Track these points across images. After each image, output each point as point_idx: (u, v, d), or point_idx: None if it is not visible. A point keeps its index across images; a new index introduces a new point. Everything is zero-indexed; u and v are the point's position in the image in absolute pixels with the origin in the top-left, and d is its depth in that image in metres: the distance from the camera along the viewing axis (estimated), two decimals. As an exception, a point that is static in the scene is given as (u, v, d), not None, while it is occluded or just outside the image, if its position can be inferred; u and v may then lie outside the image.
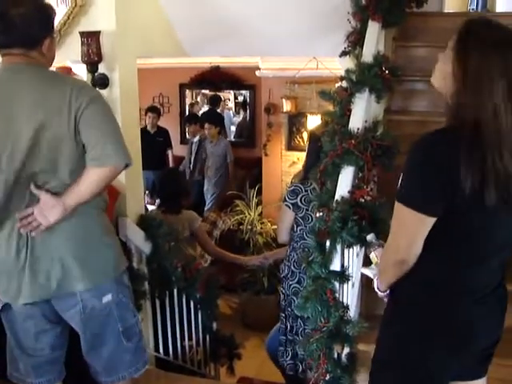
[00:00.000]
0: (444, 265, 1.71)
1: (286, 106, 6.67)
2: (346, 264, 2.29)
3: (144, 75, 8.47)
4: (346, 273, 2.26)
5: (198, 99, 9.78)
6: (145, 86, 8.83)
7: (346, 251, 2.27)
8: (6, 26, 2.18)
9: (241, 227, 5.92)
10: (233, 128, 9.77)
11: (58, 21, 2.98)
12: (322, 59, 5.69)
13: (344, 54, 3.11)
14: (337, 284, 2.26)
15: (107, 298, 2.35)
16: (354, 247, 2.27)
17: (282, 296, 3.38)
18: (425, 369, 1.77)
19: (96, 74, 2.99)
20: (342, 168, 2.40)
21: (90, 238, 2.32)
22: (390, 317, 1.90)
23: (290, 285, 3.26)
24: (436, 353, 1.75)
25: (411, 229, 1.65)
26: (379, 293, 1.93)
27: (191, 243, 4.43)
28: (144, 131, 7.72)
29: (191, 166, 8.06)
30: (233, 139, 9.38)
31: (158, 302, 3.49)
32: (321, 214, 2.26)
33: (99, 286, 2.33)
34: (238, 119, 9.64)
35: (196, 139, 8.01)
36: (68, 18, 3.00)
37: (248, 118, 9.30)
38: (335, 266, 2.24)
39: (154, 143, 7.62)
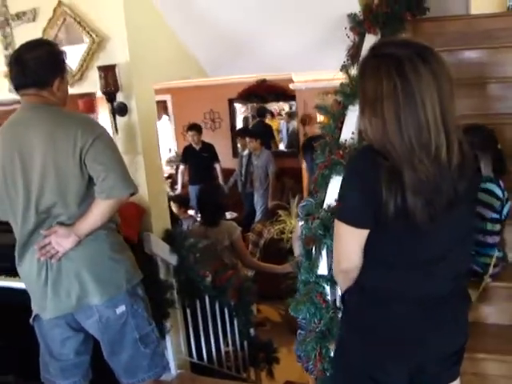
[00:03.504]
0: (380, 272, 1.76)
1: (320, 117, 6.80)
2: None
3: (194, 93, 8.94)
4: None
5: (249, 113, 10.05)
6: (196, 102, 9.34)
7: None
8: (21, 68, 2.51)
9: (283, 236, 6.07)
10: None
11: (79, 58, 3.32)
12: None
13: (344, 67, 3.24)
14: (327, 287, 2.41)
15: (121, 308, 2.61)
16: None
17: None
18: (366, 374, 1.82)
19: (115, 103, 3.27)
20: (331, 178, 2.55)
21: (100, 256, 2.58)
22: (340, 320, 2.04)
23: None
24: (374, 358, 1.81)
25: (347, 241, 1.75)
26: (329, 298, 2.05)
27: (232, 252, 4.69)
28: (189, 148, 8.06)
29: (243, 178, 8.29)
30: (284, 149, 9.57)
31: (188, 310, 3.71)
32: (303, 222, 2.41)
33: (112, 298, 2.58)
34: (288, 129, 9.83)
35: (246, 152, 8.23)
36: (88, 54, 3.30)
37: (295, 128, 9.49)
38: (322, 270, 2.38)
39: (200, 159, 7.96)
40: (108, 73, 3.18)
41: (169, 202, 6.52)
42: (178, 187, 8.69)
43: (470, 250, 2.05)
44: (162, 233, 3.52)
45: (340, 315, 2.06)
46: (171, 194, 8.12)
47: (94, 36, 3.29)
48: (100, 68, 3.20)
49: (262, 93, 9.14)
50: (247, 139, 7.96)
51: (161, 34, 3.67)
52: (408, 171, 1.56)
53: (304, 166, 3.49)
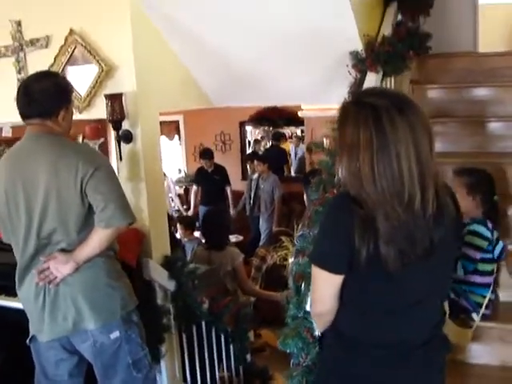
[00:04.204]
0: (355, 317, 1.77)
1: (327, 145, 6.82)
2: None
3: (206, 114, 9.03)
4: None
5: (259, 135, 10.14)
6: (207, 124, 9.46)
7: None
8: (27, 99, 2.62)
9: (285, 262, 6.10)
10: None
11: (87, 85, 3.41)
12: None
13: (347, 103, 3.31)
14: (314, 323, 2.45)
15: (115, 334, 2.67)
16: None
17: None
18: None
19: (120, 131, 3.34)
20: (323, 215, 2.60)
21: (97, 282, 2.66)
22: (317, 358, 2.08)
23: None
24: None
25: (321, 285, 1.78)
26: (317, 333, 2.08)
27: (233, 278, 4.74)
28: (202, 170, 8.19)
29: (251, 201, 8.35)
30: (292, 174, 9.64)
31: (184, 336, 3.75)
32: (294, 259, 2.46)
33: (107, 324, 2.65)
34: (297, 154, 9.90)
35: (255, 176, 8.31)
36: (96, 82, 3.39)
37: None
38: (310, 306, 2.43)
39: (212, 181, 8.09)
40: (115, 101, 3.26)
41: (176, 223, 6.62)
42: (191, 208, 8.82)
43: (445, 297, 2.07)
44: (161, 258, 3.57)
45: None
46: (174, 213, 8.23)
47: (102, 64, 3.37)
48: (107, 96, 3.28)
49: (273, 117, 9.23)
50: (255, 162, 8.05)
51: (168, 63, 3.76)
52: (381, 219, 1.58)
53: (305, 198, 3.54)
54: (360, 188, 1.60)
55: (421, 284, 1.71)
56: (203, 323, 3.85)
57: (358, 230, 1.59)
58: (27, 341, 2.79)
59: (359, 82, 3.24)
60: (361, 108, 1.63)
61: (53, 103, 2.61)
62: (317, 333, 2.45)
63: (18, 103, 2.65)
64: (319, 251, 1.78)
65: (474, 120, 4.01)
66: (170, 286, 3.57)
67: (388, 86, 3.38)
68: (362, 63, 3.24)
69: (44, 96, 2.59)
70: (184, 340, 3.77)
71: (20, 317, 3.18)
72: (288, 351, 2.50)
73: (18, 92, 2.67)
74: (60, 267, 2.55)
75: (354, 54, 3.27)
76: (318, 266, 1.73)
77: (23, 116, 2.64)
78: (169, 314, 3.56)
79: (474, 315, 2.87)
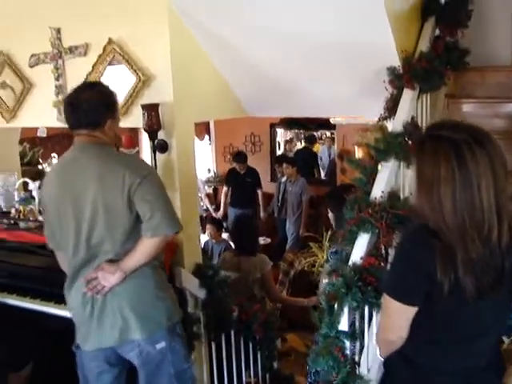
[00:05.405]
0: (425, 346, 1.84)
1: (359, 153, 6.86)
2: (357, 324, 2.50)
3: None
4: (355, 332, 2.47)
5: (289, 137, 10.12)
6: (238, 126, 9.48)
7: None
8: (75, 110, 2.66)
9: (313, 269, 6.12)
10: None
11: (125, 94, 3.45)
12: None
13: (383, 118, 3.30)
14: (347, 342, 2.47)
15: (161, 345, 2.71)
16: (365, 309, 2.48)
17: None
18: None
19: (156, 141, 3.38)
20: (358, 235, 2.61)
21: (144, 293, 2.70)
22: (380, 382, 2.10)
23: None
24: None
25: (395, 315, 1.83)
26: (380, 358, 2.10)
27: (261, 285, 4.76)
28: (234, 171, 8.20)
29: (279, 204, 8.35)
30: (323, 177, 9.62)
31: (213, 344, 3.79)
32: (326, 280, 2.48)
33: (153, 335, 2.69)
34: (330, 155, 9.84)
35: (284, 179, 8.29)
36: (133, 91, 3.42)
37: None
38: (343, 326, 2.44)
39: (244, 183, 8.11)
40: (151, 111, 3.29)
41: (206, 223, 6.65)
42: (221, 209, 8.84)
43: (505, 325, 2.10)
44: (192, 267, 3.60)
45: (381, 377, 2.14)
46: (202, 213, 8.26)
47: (140, 74, 3.41)
48: (144, 106, 3.32)
49: (304, 121, 9.22)
50: (284, 165, 8.05)
51: (204, 72, 3.77)
52: (460, 251, 1.63)
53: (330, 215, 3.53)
54: (441, 221, 1.65)
55: (491, 313, 1.77)
56: (232, 331, 3.89)
57: (440, 264, 1.64)
58: (73, 347, 2.85)
59: (395, 98, 3.22)
60: (439, 142, 1.66)
61: (100, 114, 2.66)
62: (348, 352, 2.48)
63: (65, 114, 2.70)
64: (395, 283, 1.82)
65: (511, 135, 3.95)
66: (201, 294, 3.61)
67: (424, 101, 3.37)
68: (398, 79, 3.21)
69: (91, 107, 2.63)
70: (213, 348, 3.80)
71: (52, 323, 3.28)
72: (318, 369, 2.54)
73: (65, 103, 2.72)
74: (108, 277, 2.60)
75: (392, 70, 3.24)
76: (393, 298, 1.78)
77: (72, 127, 2.69)
78: (199, 322, 3.59)
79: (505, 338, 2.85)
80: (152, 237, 2.59)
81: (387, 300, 1.82)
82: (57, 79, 3.81)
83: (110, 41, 3.48)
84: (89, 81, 2.89)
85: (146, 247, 2.61)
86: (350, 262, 2.52)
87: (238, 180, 8.28)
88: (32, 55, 3.91)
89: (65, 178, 2.66)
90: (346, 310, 2.42)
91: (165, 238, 2.66)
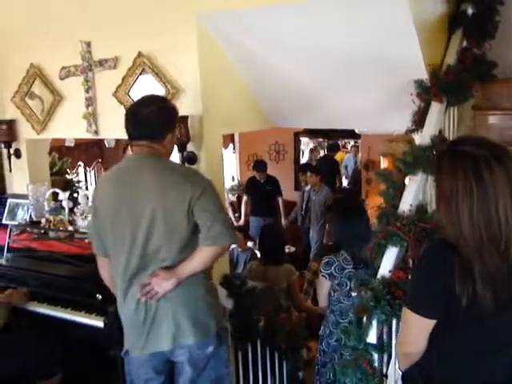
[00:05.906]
0: (442, 359, 1.86)
1: (384, 163, 6.85)
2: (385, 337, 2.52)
3: (261, 125, 9.04)
4: (383, 345, 2.49)
5: (313, 146, 10.16)
6: (262, 135, 9.52)
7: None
8: (136, 122, 2.72)
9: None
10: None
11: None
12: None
13: (410, 131, 3.31)
14: (375, 354, 2.48)
15: (209, 349, 2.78)
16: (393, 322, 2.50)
17: (320, 352, 3.69)
18: None
19: (185, 153, 3.43)
20: (386, 248, 2.63)
21: (197, 298, 2.75)
22: None
23: (329, 343, 3.58)
24: None
25: (413, 328, 1.87)
26: (399, 371, 2.14)
27: (287, 295, 4.78)
28: (253, 180, 8.21)
29: (303, 213, 8.35)
30: (346, 186, 9.62)
31: (240, 353, 3.82)
32: (356, 293, 2.49)
33: (204, 339, 2.75)
34: (356, 163, 9.83)
35: (308, 188, 8.28)
36: (162, 104, 3.47)
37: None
38: (371, 339, 2.46)
39: (264, 191, 8.11)
40: (180, 124, 3.33)
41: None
42: (242, 218, 8.87)
43: None
44: (220, 277, 3.64)
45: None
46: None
47: (169, 87, 3.47)
48: (173, 119, 3.36)
49: (328, 130, 9.23)
50: (308, 174, 8.06)
51: (232, 85, 3.82)
52: (478, 264, 1.66)
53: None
54: (458, 235, 1.68)
55: (510, 328, 1.79)
56: (259, 341, 3.91)
57: (458, 276, 1.67)
58: (122, 353, 2.91)
59: (423, 111, 3.23)
60: (457, 158, 1.70)
61: (161, 128, 2.72)
62: (376, 364, 2.50)
63: (126, 125, 2.73)
64: (414, 296, 1.86)
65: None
66: (228, 304, 3.64)
67: (451, 114, 3.37)
68: (426, 92, 3.23)
69: (151, 120, 2.68)
70: (239, 357, 3.83)
71: (82, 332, 3.33)
72: (346, 382, 2.55)
73: (126, 116, 2.75)
74: (162, 283, 2.64)
75: (419, 83, 3.26)
76: (412, 310, 1.82)
77: (132, 138, 2.74)
78: (226, 332, 3.62)
79: None
80: (211, 245, 2.65)
81: (406, 313, 1.86)
82: (87, 91, 3.89)
83: (140, 54, 3.55)
84: (152, 94, 2.94)
85: (204, 255, 2.67)
86: (379, 275, 2.54)
87: (258, 188, 8.29)
88: (62, 68, 4.00)
89: (122, 186, 2.70)
90: (374, 322, 2.44)
91: (223, 248, 2.72)
